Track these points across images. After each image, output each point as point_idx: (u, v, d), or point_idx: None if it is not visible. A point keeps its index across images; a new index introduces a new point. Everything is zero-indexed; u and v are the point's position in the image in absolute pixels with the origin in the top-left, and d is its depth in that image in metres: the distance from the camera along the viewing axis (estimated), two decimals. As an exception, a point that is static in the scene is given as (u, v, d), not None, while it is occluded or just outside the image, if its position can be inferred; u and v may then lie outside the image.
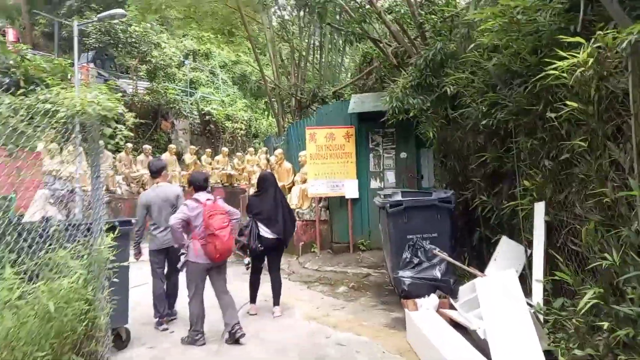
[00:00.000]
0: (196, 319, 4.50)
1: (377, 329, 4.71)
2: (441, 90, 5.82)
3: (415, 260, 4.85)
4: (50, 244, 3.45)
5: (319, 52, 15.58)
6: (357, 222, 8.48)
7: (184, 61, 24.34)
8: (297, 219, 8.91)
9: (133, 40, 17.23)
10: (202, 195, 4.50)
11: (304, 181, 9.15)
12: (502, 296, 3.71)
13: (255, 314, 5.45)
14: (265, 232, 5.17)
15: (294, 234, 5.69)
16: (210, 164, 18.55)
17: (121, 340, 4.43)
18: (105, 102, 3.52)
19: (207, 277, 4.59)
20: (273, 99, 15.28)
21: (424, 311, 4.25)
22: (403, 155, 8.58)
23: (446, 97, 5.89)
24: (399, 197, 5.30)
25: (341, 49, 15.72)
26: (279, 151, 10.77)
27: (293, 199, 9.29)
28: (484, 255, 5.55)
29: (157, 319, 5.06)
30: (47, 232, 3.30)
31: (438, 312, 4.22)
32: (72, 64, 17.78)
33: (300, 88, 14.40)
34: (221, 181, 17.99)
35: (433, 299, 4.41)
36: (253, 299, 5.55)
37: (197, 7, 14.37)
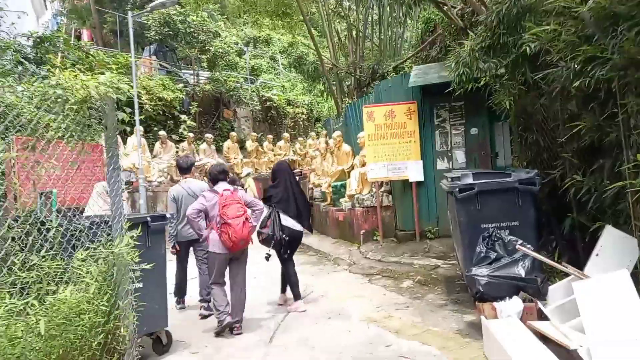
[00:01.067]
0: (218, 307, 4.46)
1: (448, 336, 3.99)
2: (518, 51, 4.87)
3: (492, 255, 4.04)
4: (71, 245, 3.16)
5: (377, 26, 14.66)
6: (424, 207, 7.67)
7: (244, 49, 24.32)
8: (357, 204, 8.31)
9: (192, 30, 17.26)
10: (220, 186, 4.55)
11: (364, 164, 8.47)
12: (611, 304, 2.87)
13: (304, 311, 5.09)
14: (287, 221, 4.99)
15: (310, 222, 5.56)
16: (272, 150, 18.38)
17: (161, 345, 4.10)
18: (117, 83, 3.08)
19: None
20: (332, 81, 14.65)
21: (506, 319, 3.47)
22: (474, 131, 7.59)
23: (525, 58, 4.94)
24: (470, 180, 4.49)
25: (401, 21, 14.68)
26: (337, 133, 10.16)
27: (352, 184, 8.67)
28: (578, 247, 4.62)
29: (175, 300, 5.46)
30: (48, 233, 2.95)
31: (523, 322, 3.43)
32: (137, 58, 18.26)
33: (359, 66, 13.62)
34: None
35: (516, 304, 3.61)
36: (297, 295, 5.25)
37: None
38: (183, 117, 15.52)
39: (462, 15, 7.29)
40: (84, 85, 2.89)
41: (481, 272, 3.92)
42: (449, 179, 4.82)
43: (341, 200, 9.15)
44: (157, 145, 13.25)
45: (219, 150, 16.17)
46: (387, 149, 7.76)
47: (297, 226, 5.07)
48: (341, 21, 15.44)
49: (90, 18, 22.31)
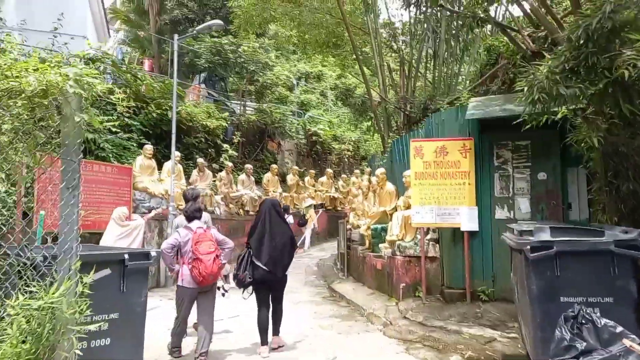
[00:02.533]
0: (175, 336, 4.78)
1: None
2: (613, 74, 3.83)
3: (580, 345, 2.90)
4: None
5: (432, 61, 13.84)
6: (477, 262, 6.48)
7: (294, 82, 24.24)
8: (398, 252, 7.22)
9: (242, 60, 17.20)
10: (194, 224, 4.79)
11: (408, 206, 7.43)
12: None
13: (268, 357, 4.94)
14: (259, 263, 4.91)
15: (287, 268, 5.21)
16: (314, 185, 17.64)
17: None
18: (82, 76, 2.35)
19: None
20: (379, 116, 13.87)
21: None
22: (542, 176, 6.40)
23: (619, 85, 3.90)
24: (546, 236, 3.40)
25: (459, 57, 13.78)
26: (380, 170, 9.20)
27: (394, 228, 7.61)
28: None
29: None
30: None
31: None
32: (188, 86, 18.35)
33: (410, 101, 12.75)
34: (323, 204, 16.93)
35: None
36: (263, 341, 5.03)
37: (300, 19, 13.57)
38: (225, 146, 15.14)
39: (532, 41, 6.29)
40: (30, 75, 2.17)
41: (564, 369, 2.78)
42: (516, 232, 3.74)
43: (380, 245, 8.09)
44: (194, 172, 12.79)
45: (258, 182, 15.62)
46: (436, 190, 6.70)
47: (266, 267, 4.93)
48: (393, 55, 14.79)
49: (150, 47, 23.09)
